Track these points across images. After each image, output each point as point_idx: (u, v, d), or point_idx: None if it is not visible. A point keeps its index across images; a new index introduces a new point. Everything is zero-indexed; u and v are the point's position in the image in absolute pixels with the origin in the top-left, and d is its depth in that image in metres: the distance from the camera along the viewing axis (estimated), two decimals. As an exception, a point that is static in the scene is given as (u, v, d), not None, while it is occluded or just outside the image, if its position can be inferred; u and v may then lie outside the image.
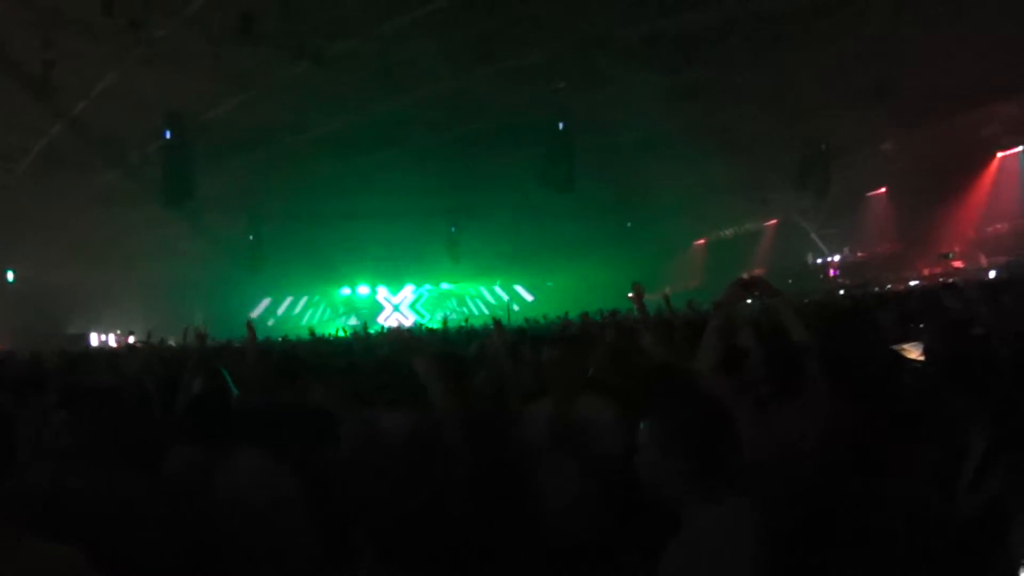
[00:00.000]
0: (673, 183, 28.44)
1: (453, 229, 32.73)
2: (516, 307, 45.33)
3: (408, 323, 44.13)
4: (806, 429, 4.22)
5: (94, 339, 36.47)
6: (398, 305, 47.58)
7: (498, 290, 49.51)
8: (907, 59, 18.07)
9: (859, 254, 34.36)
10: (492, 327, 7.07)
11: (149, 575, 3.36)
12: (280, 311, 46.03)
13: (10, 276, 32.71)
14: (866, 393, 4.57)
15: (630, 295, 6.52)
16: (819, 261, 36.01)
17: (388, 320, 46.17)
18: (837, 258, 35.13)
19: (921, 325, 8.01)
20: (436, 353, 4.83)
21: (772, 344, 4.88)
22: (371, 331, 19.97)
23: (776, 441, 4.15)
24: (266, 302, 45.19)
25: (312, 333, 18.39)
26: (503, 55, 16.98)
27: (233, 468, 4.15)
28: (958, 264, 28.61)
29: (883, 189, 32.79)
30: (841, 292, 27.08)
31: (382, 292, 46.93)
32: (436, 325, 19.57)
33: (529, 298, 48.04)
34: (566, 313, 11.04)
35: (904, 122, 24.15)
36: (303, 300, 46.81)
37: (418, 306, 48.34)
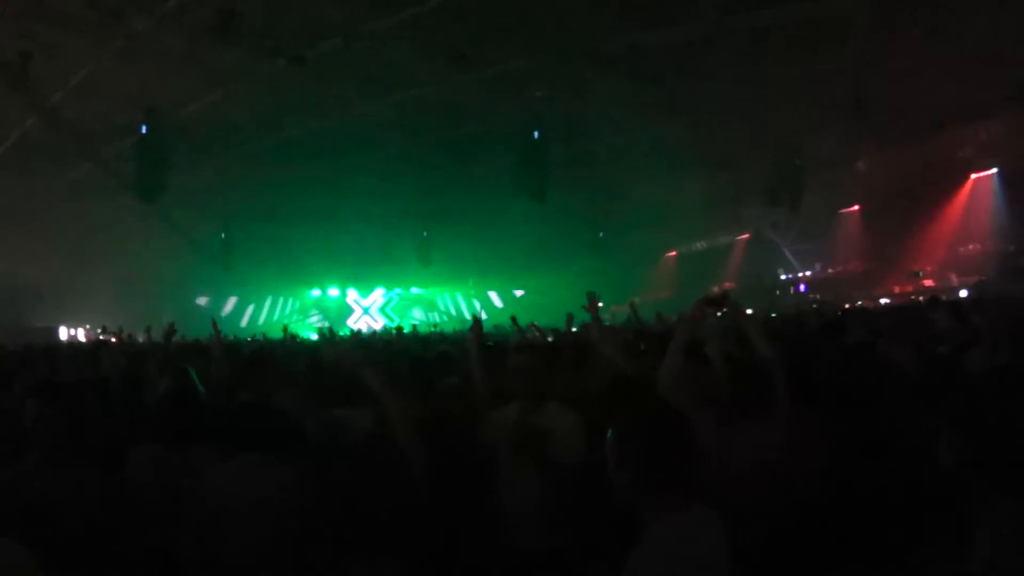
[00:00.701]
0: (646, 194, 28.53)
1: (425, 233, 32.65)
2: (485, 315, 45.45)
3: (377, 326, 44.10)
4: (770, 443, 4.27)
5: (63, 333, 36.22)
6: (368, 308, 47.47)
7: (465, 297, 49.42)
8: (883, 78, 18.21)
9: (830, 270, 34.53)
10: (466, 330, 7.07)
11: (107, 573, 3.37)
12: (248, 310, 45.80)
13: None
14: (835, 408, 4.63)
15: (584, 305, 6.53)
16: (789, 276, 36.15)
17: (358, 323, 46.07)
18: (808, 274, 35.28)
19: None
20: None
21: (737, 360, 4.93)
22: (339, 333, 19.95)
23: (742, 455, 4.20)
24: (234, 300, 44.98)
25: (286, 331, 18.32)
26: (481, 62, 17.01)
27: (197, 468, 4.16)
28: (928, 283, 28.83)
29: (856, 207, 32.93)
30: (813, 307, 27.34)
31: (352, 294, 46.77)
32: (406, 329, 19.55)
33: (500, 304, 47.94)
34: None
35: (879, 141, 24.34)
36: (269, 300, 46.51)
37: (388, 310, 48.15)
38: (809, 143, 22.69)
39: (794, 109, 20.00)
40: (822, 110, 20.29)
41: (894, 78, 18.28)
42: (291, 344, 17.13)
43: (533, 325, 12.77)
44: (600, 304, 6.54)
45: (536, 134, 18.75)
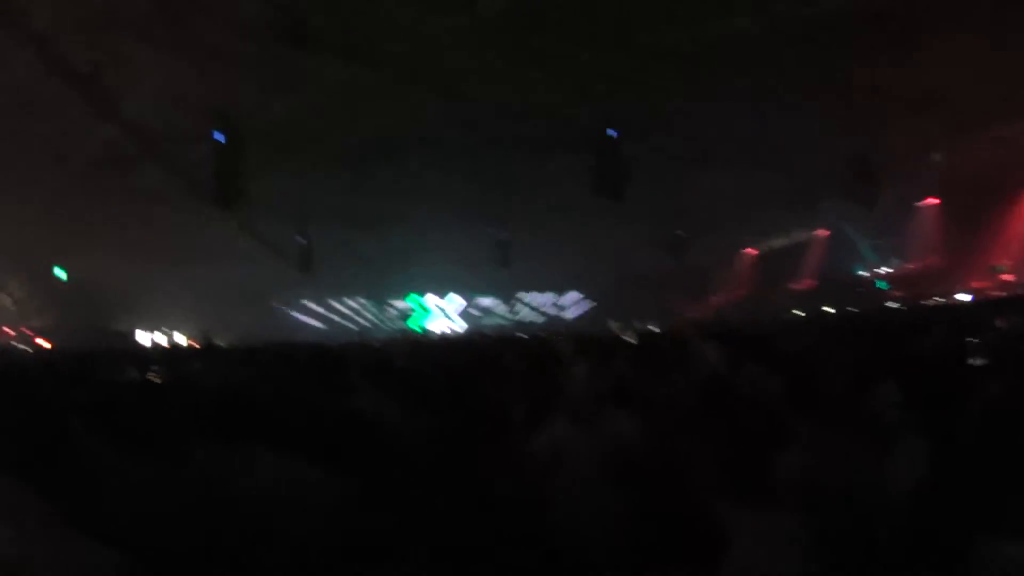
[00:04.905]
0: (723, 191, 28.16)
1: (503, 236, 32.49)
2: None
3: (458, 328, 44.41)
4: (867, 455, 4.11)
5: (141, 337, 36.94)
6: (446, 311, 47.63)
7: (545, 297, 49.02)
8: (960, 66, 17.74)
9: (908, 266, 33.73)
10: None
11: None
12: (330, 312, 46.42)
13: (60, 273, 33.21)
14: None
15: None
16: (866, 274, 35.42)
17: (437, 325, 46.38)
18: (886, 270, 34.53)
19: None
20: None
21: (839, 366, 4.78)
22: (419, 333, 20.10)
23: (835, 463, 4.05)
24: (316, 304, 45.68)
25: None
26: (554, 60, 16.92)
27: (257, 469, 4.09)
28: (1008, 277, 28.08)
29: (934, 199, 32.15)
30: (889, 304, 26.82)
31: (432, 297, 46.98)
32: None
33: (577, 305, 47.74)
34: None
35: (957, 131, 23.71)
36: (352, 302, 46.96)
37: (468, 311, 48.21)
38: (885, 135, 22.22)
39: (870, 100, 19.58)
40: (898, 101, 19.84)
41: (972, 66, 17.80)
42: (371, 344, 17.22)
43: (614, 323, 12.72)
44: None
45: (611, 132, 18.57)
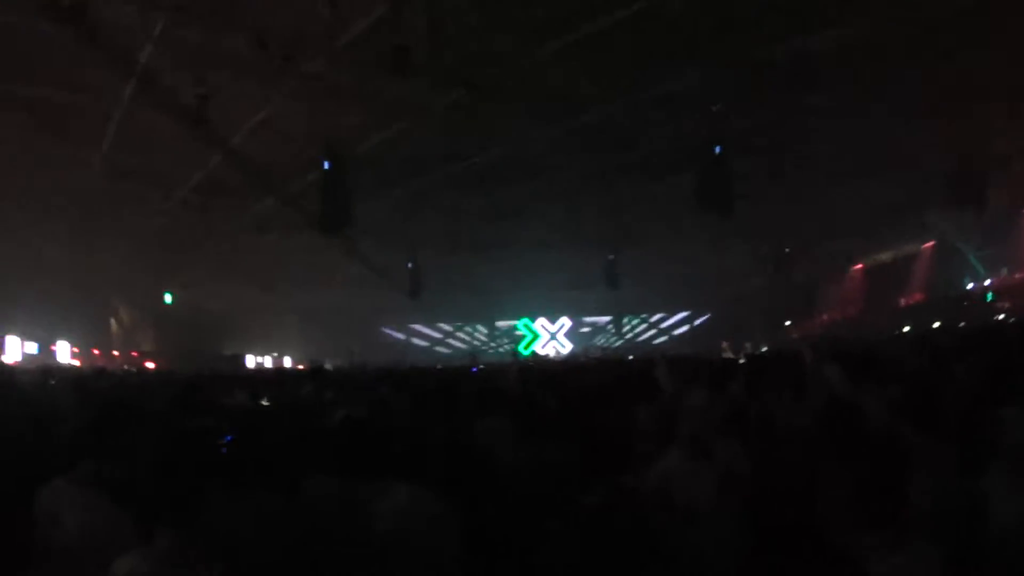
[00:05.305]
0: (830, 205, 27.68)
1: (611, 257, 32.27)
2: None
3: (565, 351, 44.33)
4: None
5: (250, 361, 37.60)
6: (555, 333, 47.55)
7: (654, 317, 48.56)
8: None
9: (1017, 275, 32.47)
10: None
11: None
12: (439, 336, 46.79)
13: (168, 299, 34.02)
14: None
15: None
16: (972, 286, 34.23)
17: (545, 347, 46.38)
18: (994, 282, 33.30)
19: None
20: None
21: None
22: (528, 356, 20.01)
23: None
24: (422, 328, 46.11)
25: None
26: (656, 78, 16.79)
27: (381, 501, 4.02)
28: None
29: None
30: (1000, 317, 26.04)
31: (540, 320, 46.96)
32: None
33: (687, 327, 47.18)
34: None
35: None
36: (461, 326, 47.24)
37: (576, 332, 47.99)
38: (988, 139, 21.55)
39: (971, 104, 18.99)
40: (1000, 103, 19.21)
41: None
42: (481, 370, 17.16)
43: (724, 343, 12.53)
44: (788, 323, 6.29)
45: (717, 149, 18.33)
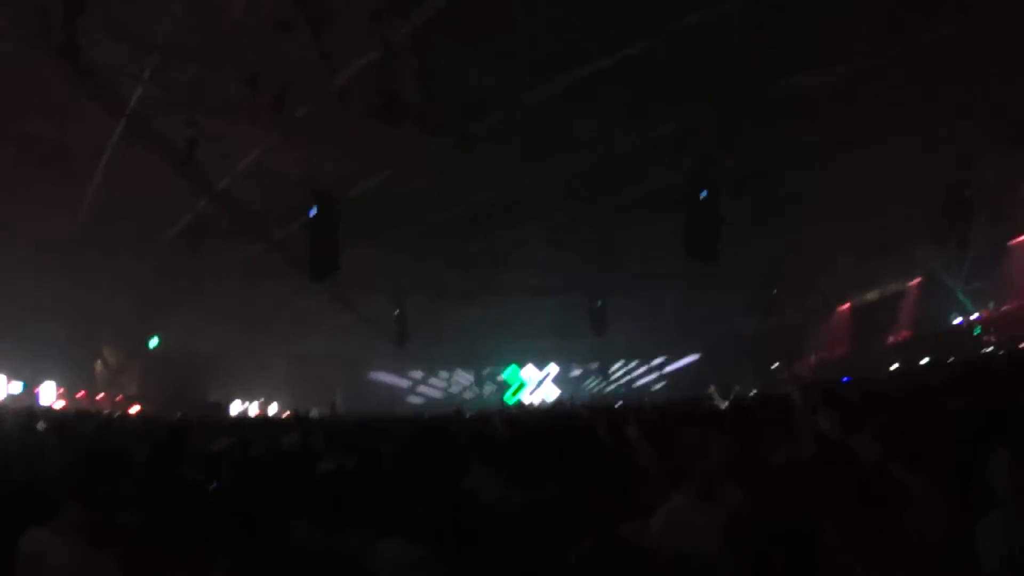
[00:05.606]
0: (817, 246, 27.80)
1: (600, 303, 32.24)
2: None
3: (552, 398, 44.19)
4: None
5: (234, 407, 37.42)
6: (542, 380, 47.40)
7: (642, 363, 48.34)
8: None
9: (1003, 308, 32.42)
10: None
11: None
12: (426, 384, 46.64)
13: (154, 342, 33.98)
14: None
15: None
16: (959, 321, 34.20)
17: (534, 395, 46.23)
18: (981, 316, 33.27)
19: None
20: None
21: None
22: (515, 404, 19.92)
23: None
24: (416, 374, 46.00)
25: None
26: (644, 122, 16.89)
27: (357, 552, 3.95)
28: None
29: (1024, 236, 30.77)
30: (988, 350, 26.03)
31: (528, 368, 46.87)
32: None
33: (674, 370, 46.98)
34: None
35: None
36: (447, 375, 47.09)
37: (564, 379, 47.82)
38: (974, 174, 21.65)
39: (958, 138, 19.07)
40: (987, 137, 19.31)
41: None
42: (470, 419, 17.05)
43: (712, 387, 12.53)
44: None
45: (703, 194, 18.37)
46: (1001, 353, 21.61)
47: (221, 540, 3.64)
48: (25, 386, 30.85)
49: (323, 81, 13.87)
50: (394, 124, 13.93)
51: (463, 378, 47.32)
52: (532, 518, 4.50)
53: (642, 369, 47.08)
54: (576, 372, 47.48)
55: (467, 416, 19.06)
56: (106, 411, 27.99)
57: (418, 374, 46.20)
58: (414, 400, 45.23)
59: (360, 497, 4.36)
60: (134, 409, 32.73)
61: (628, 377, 47.36)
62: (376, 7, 12.51)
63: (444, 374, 47.03)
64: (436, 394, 46.49)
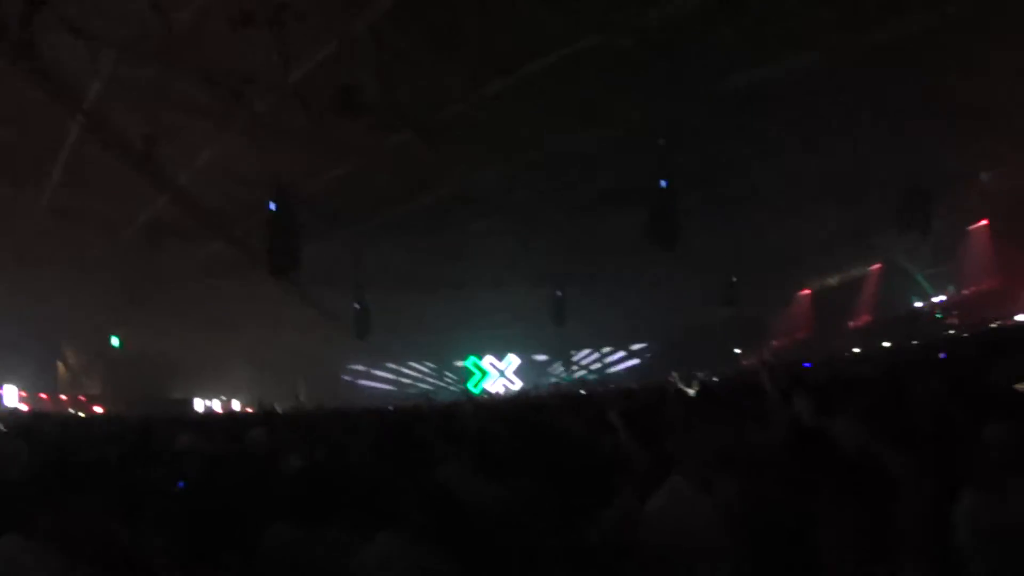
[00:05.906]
0: (777, 234, 27.97)
1: (559, 294, 32.23)
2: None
3: (514, 387, 44.25)
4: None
5: (199, 405, 37.22)
6: (504, 371, 47.44)
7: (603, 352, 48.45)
8: (1005, 83, 17.51)
9: (963, 292, 32.83)
10: None
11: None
12: (389, 376, 46.54)
13: (115, 342, 33.72)
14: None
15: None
16: (921, 305, 34.59)
17: (495, 385, 46.29)
18: (942, 299, 33.63)
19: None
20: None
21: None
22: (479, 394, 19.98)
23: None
24: (377, 370, 45.89)
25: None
26: (604, 115, 16.94)
27: (335, 550, 3.96)
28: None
29: (984, 222, 31.12)
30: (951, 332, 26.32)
31: (489, 358, 46.92)
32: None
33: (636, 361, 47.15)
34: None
35: (1005, 150, 23.26)
36: (410, 366, 47.01)
37: (526, 369, 47.90)
38: (934, 159, 21.89)
39: (917, 127, 19.29)
40: (945, 123, 19.52)
41: (1015, 83, 17.50)
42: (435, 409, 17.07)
43: (674, 374, 12.59)
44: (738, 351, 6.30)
45: (663, 183, 18.45)
46: (966, 335, 21.84)
47: (201, 549, 3.65)
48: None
49: (281, 77, 13.81)
50: (353, 119, 13.92)
51: (427, 369, 47.27)
52: (512, 512, 4.52)
53: (609, 358, 47.22)
54: (540, 359, 47.53)
55: (434, 407, 19.11)
56: (69, 411, 27.83)
57: (381, 366, 46.07)
58: (377, 390, 45.11)
59: (336, 495, 4.37)
60: (98, 409, 32.54)
61: (592, 366, 47.51)
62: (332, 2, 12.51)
63: (402, 365, 46.93)
64: (394, 386, 46.36)
